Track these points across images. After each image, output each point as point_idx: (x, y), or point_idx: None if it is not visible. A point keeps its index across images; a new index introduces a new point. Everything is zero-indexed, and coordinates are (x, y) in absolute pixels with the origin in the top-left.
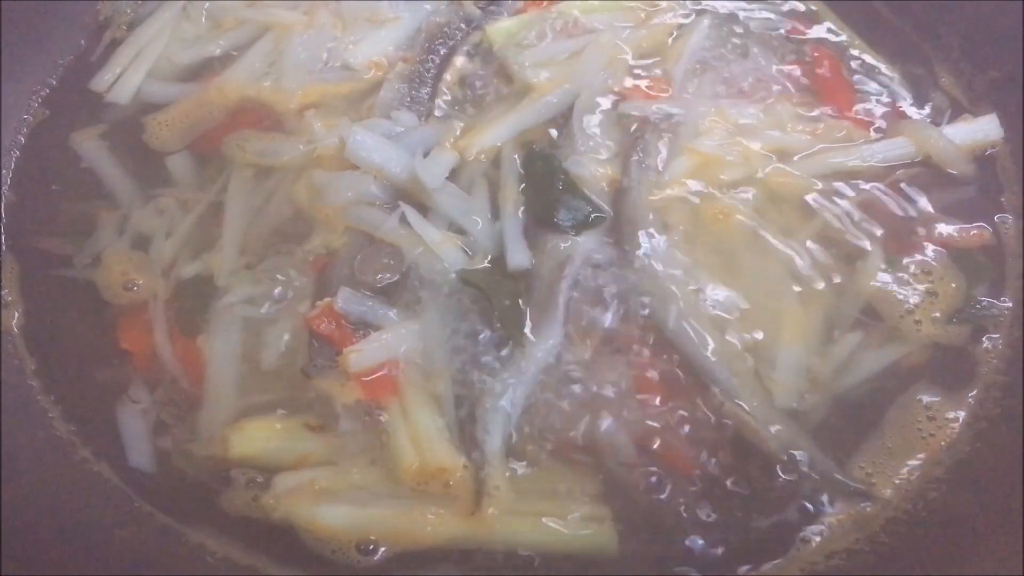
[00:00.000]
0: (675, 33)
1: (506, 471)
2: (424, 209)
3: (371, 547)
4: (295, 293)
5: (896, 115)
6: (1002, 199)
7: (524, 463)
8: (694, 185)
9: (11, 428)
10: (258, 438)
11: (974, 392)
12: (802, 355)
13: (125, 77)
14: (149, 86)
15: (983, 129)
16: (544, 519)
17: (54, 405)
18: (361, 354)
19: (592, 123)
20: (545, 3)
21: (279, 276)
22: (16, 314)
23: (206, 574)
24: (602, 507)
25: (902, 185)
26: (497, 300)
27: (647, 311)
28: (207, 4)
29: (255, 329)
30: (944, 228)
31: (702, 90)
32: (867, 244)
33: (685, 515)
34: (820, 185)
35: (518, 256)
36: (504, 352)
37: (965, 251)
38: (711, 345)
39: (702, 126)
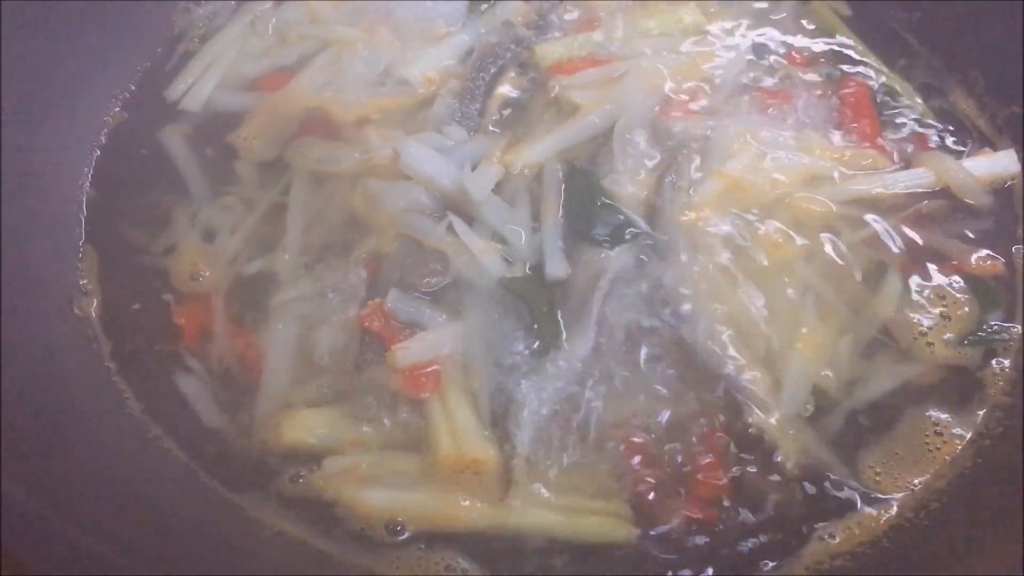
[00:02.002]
0: (715, 60)
1: (532, 465)
2: (470, 219)
3: (399, 527)
4: (348, 293)
5: (919, 146)
6: (1018, 231)
7: (550, 460)
8: (723, 206)
9: (89, 408)
10: (309, 426)
11: (981, 412)
12: (814, 366)
13: (197, 86)
14: (219, 95)
15: (1002, 163)
16: (564, 511)
17: (128, 386)
18: (408, 351)
19: (630, 143)
20: (594, 27)
21: (334, 276)
22: (95, 301)
23: (262, 545)
24: (620, 503)
25: (923, 213)
26: (536, 307)
27: (674, 322)
28: (273, 20)
29: (309, 325)
30: (960, 256)
31: (736, 113)
32: (887, 269)
33: (694, 515)
34: (844, 211)
35: (556, 266)
36: (538, 355)
37: (979, 278)
38: (732, 353)
39: (732, 149)
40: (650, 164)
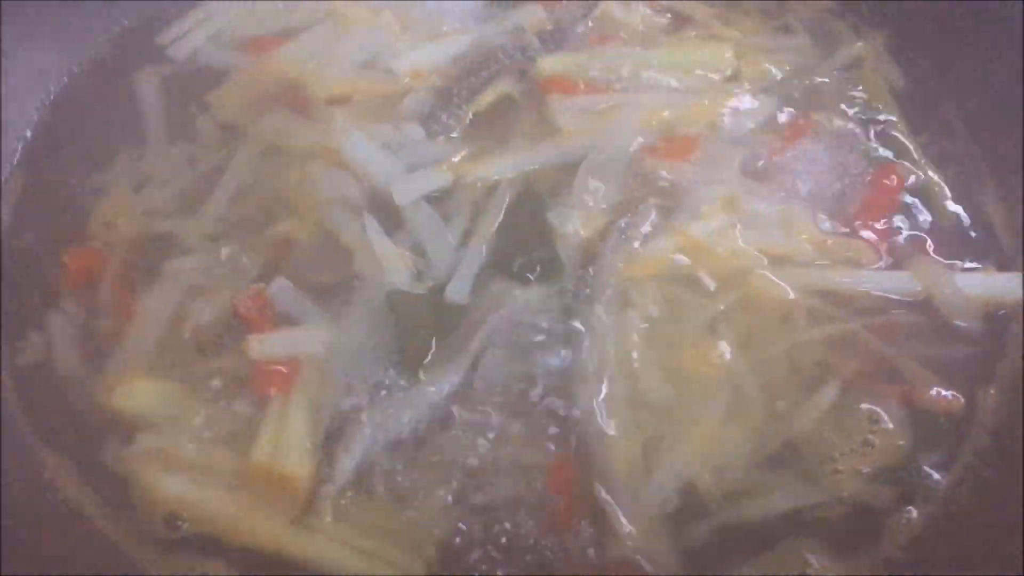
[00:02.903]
0: (727, 108)
1: (344, 495)
2: (396, 224)
3: (179, 523)
4: (240, 273)
5: (916, 247)
6: (997, 367)
7: (366, 493)
8: (670, 269)
9: None
10: (141, 396)
11: (867, 565)
12: (694, 464)
13: (189, 36)
14: (208, 49)
15: (1001, 285)
16: (355, 551)
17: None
18: (263, 344)
19: (598, 178)
20: (608, 44)
21: (234, 252)
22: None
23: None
24: (416, 559)
25: (894, 324)
26: (409, 329)
27: (560, 380)
28: None
29: (191, 295)
30: (919, 382)
31: (728, 170)
32: (827, 377)
33: None
34: (806, 301)
35: (458, 289)
36: (398, 381)
37: (928, 413)
38: (612, 431)
39: (704, 209)
40: (605, 205)
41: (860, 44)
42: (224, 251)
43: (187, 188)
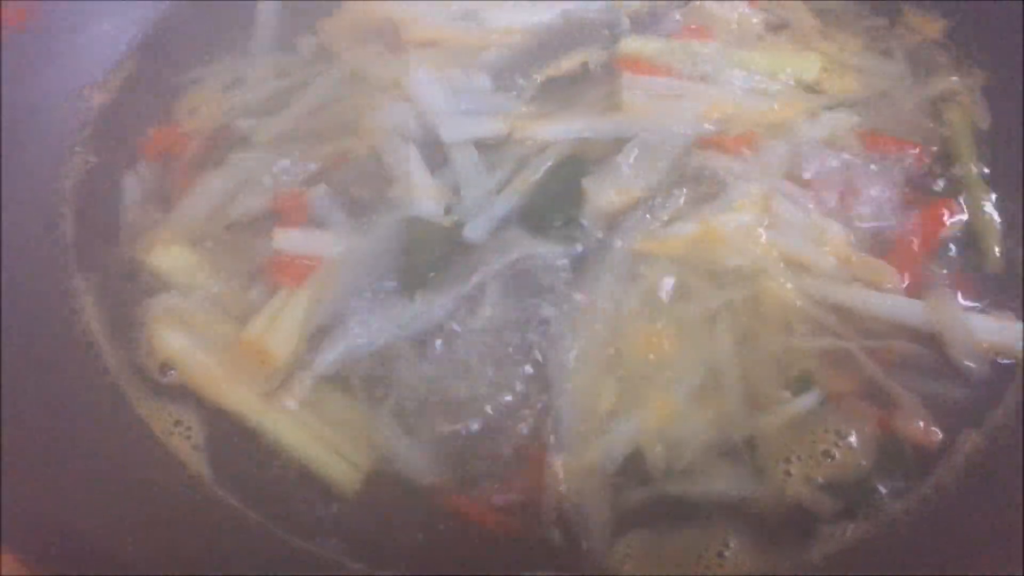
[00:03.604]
0: (797, 117)
1: (318, 385)
2: (442, 160)
3: (169, 371)
4: (292, 174)
5: (943, 282)
6: (987, 413)
7: (338, 390)
8: (686, 253)
9: None
10: (174, 261)
11: (785, 564)
12: (650, 435)
13: None
14: None
15: (1012, 333)
16: (311, 434)
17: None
18: (288, 237)
19: (640, 158)
20: (697, 37)
21: (292, 157)
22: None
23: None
24: (366, 458)
25: (894, 352)
26: (420, 254)
27: (545, 329)
28: None
29: (243, 183)
30: (904, 411)
31: (776, 174)
32: (811, 387)
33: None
34: (812, 311)
35: (476, 228)
36: (395, 297)
37: (899, 441)
38: (579, 384)
39: (738, 203)
40: (643, 183)
41: (955, 79)
42: (285, 155)
43: (271, 95)
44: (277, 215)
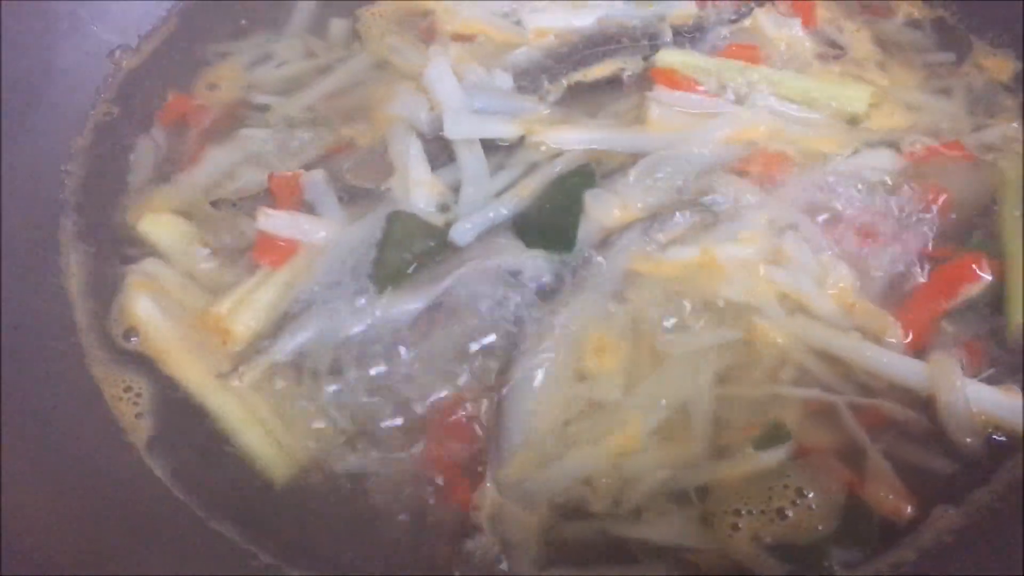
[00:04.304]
0: (832, 151)
1: (273, 371)
2: (450, 156)
3: (132, 337)
4: (292, 155)
5: (950, 343)
6: (970, 493)
7: (291, 378)
8: (679, 279)
9: None
10: (162, 229)
11: None
12: (598, 464)
13: None
14: None
15: (1009, 407)
16: (255, 417)
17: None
18: (270, 219)
19: (651, 176)
20: (752, 58)
21: (300, 138)
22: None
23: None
24: (303, 451)
25: (883, 413)
26: (398, 249)
27: (504, 347)
28: None
29: (246, 159)
30: (875, 477)
31: (792, 207)
32: (782, 443)
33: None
34: (803, 358)
35: (462, 231)
36: (366, 291)
37: (865, 506)
38: (530, 410)
39: (744, 234)
40: (650, 201)
41: (1015, 126)
42: (294, 135)
43: (294, 75)
44: (270, 195)
